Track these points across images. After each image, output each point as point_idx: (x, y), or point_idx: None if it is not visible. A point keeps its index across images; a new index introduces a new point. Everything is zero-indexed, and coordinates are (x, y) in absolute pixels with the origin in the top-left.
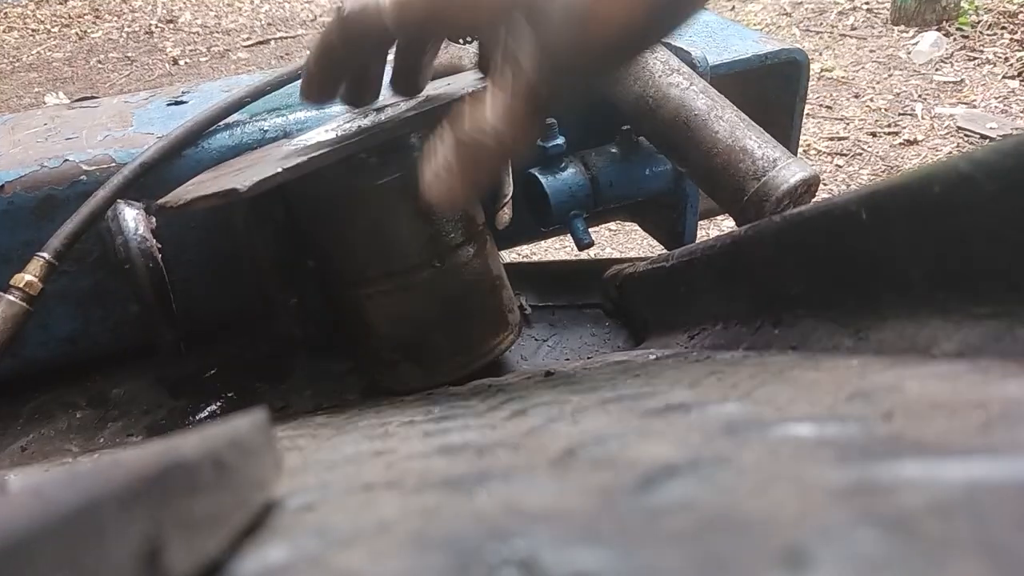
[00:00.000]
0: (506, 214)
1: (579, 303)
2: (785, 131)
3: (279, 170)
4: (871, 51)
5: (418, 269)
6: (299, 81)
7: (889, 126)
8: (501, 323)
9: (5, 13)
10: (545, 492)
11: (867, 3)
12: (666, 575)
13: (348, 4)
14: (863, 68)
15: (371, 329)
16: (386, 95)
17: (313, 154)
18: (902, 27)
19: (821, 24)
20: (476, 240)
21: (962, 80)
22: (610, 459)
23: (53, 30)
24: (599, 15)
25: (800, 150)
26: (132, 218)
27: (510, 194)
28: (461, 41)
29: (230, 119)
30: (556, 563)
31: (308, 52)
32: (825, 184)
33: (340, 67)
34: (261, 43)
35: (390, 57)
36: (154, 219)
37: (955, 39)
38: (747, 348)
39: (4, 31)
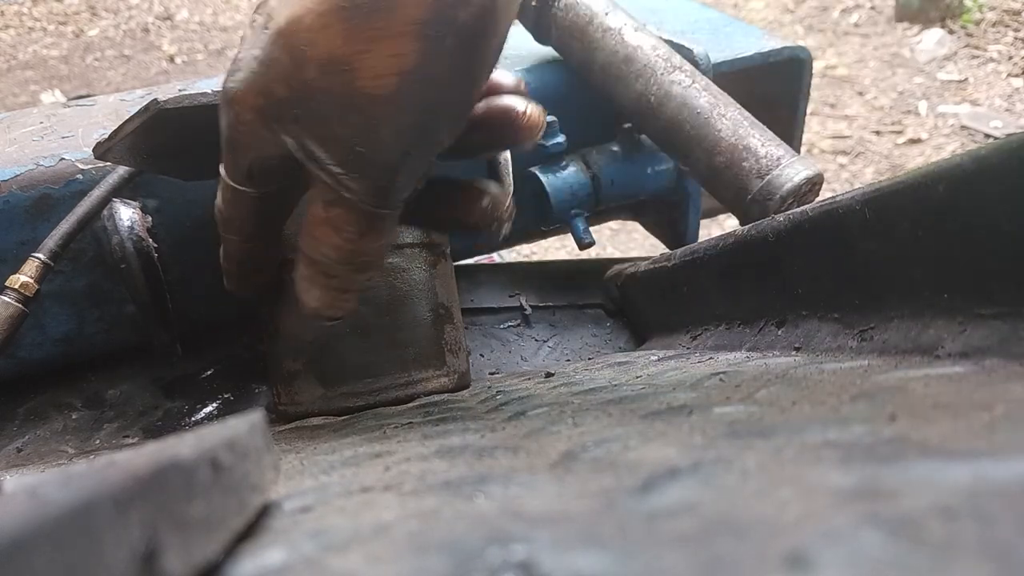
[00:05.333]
0: None
1: (580, 303)
2: (788, 129)
3: (209, 91)
4: (874, 49)
5: None
6: None
7: (893, 124)
8: (433, 358)
9: (2, 11)
10: (545, 495)
11: (870, 0)
12: None
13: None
14: (866, 66)
15: (279, 327)
16: None
17: None
18: (906, 25)
19: (824, 21)
20: (428, 253)
21: (966, 78)
22: (611, 461)
23: (49, 28)
24: (366, 88)
25: (803, 148)
26: (128, 217)
27: (510, 194)
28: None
29: None
30: (556, 567)
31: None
32: (828, 183)
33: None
34: None
35: None
36: (150, 218)
37: (959, 37)
38: (750, 349)
39: (0, 29)
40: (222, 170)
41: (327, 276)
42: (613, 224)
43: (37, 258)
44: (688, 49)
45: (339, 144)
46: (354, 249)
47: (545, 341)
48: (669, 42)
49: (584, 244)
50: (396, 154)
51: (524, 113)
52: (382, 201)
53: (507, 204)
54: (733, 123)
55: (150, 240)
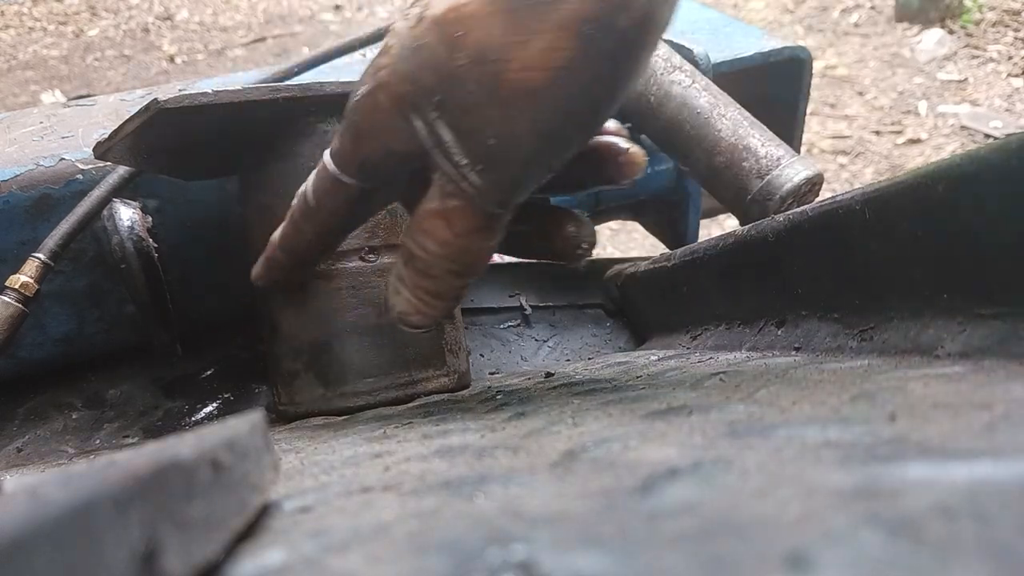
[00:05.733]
0: None
1: (580, 303)
2: (788, 129)
3: (210, 91)
4: (874, 49)
5: (345, 257)
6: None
7: (892, 124)
8: (434, 358)
9: (2, 11)
10: (545, 495)
11: (870, 0)
12: None
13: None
14: (866, 66)
15: (279, 327)
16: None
17: (252, 89)
18: (905, 25)
19: (824, 21)
20: None
21: (966, 78)
22: (611, 461)
23: (49, 28)
24: (514, 80)
25: (803, 148)
26: (128, 217)
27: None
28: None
29: None
30: (556, 567)
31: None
32: (828, 183)
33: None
34: (258, 41)
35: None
36: (150, 218)
37: (959, 37)
38: (750, 349)
39: (0, 29)
40: (327, 159)
41: (424, 276)
42: (613, 224)
43: (37, 258)
44: (688, 49)
45: (473, 134)
46: (462, 247)
47: (545, 341)
48: (669, 42)
49: None
50: (527, 152)
51: (627, 150)
52: (502, 198)
53: (591, 235)
54: (733, 123)
55: (150, 240)
